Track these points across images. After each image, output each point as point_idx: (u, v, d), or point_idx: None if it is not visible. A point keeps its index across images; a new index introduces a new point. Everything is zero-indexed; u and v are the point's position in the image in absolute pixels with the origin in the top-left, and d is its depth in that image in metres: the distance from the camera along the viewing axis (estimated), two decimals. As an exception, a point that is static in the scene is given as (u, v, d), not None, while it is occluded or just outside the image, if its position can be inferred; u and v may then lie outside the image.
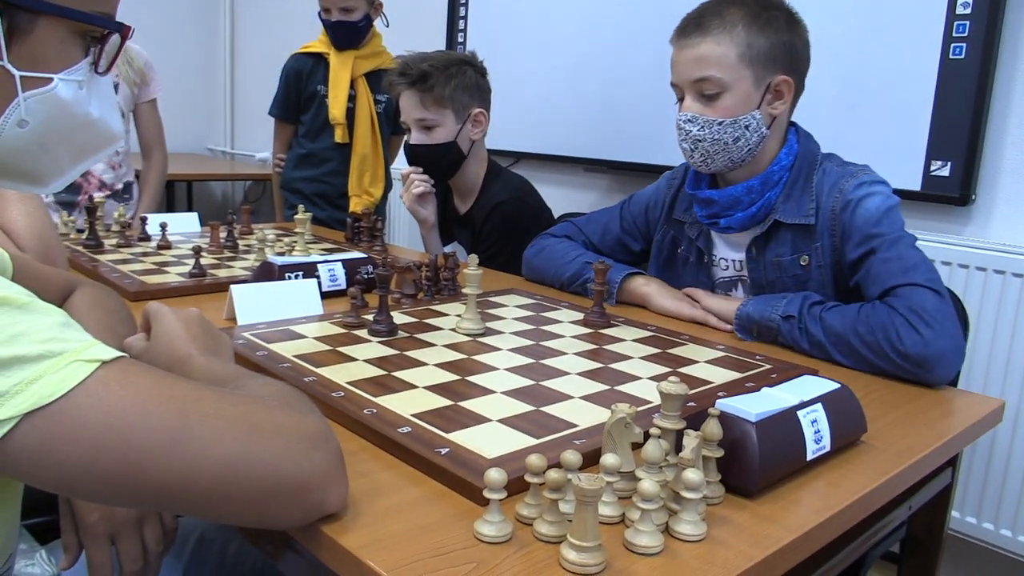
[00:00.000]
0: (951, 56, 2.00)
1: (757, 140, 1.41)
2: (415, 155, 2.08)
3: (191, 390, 0.62)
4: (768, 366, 1.20)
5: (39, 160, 0.77)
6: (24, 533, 0.96)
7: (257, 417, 0.63)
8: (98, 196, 2.53)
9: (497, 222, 2.04)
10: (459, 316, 1.32)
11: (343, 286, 1.52)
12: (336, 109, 2.81)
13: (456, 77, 2.00)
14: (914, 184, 2.08)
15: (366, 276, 1.54)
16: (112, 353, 0.60)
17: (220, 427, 0.61)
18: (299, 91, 2.90)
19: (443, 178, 2.13)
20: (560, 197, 2.32)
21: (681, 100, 1.45)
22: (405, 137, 2.09)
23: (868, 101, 2.16)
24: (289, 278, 1.45)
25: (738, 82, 1.38)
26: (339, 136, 2.84)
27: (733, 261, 1.54)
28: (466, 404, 0.97)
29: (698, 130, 1.41)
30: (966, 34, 1.97)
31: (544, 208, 2.17)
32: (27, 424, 0.55)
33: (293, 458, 0.64)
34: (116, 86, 2.62)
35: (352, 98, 2.84)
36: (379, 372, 1.07)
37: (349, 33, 2.77)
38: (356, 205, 2.86)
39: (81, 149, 0.79)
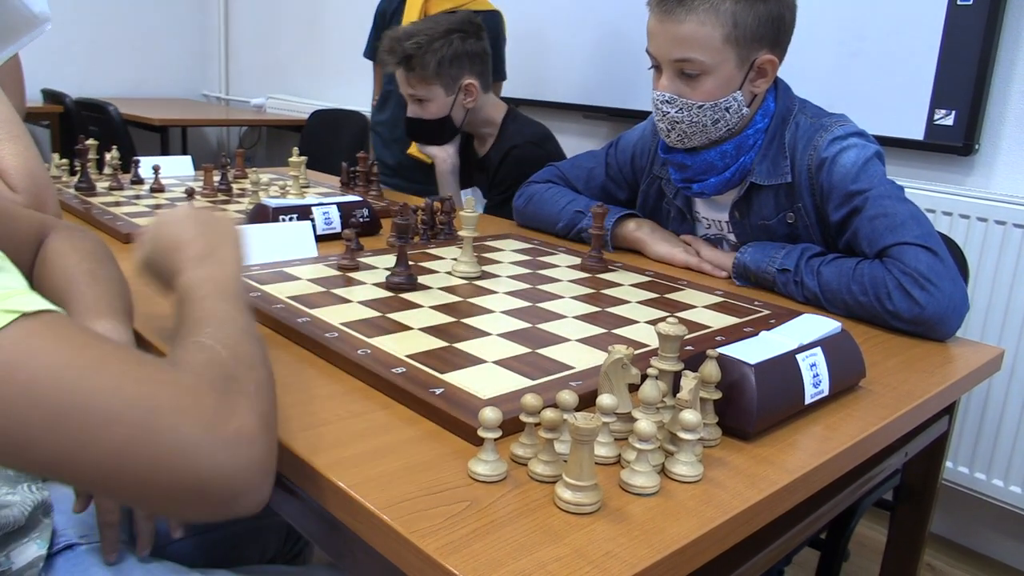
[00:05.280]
0: (959, 2, 1.95)
1: (737, 120, 1.36)
2: (410, 127, 2.09)
3: (95, 360, 0.55)
4: (767, 311, 1.19)
5: None
6: None
7: (160, 400, 0.55)
8: None
9: (511, 165, 2.02)
10: (455, 260, 1.30)
11: (338, 229, 1.50)
12: None
13: (440, 51, 1.95)
14: (917, 133, 2.06)
15: (361, 220, 1.52)
16: (37, 306, 0.55)
17: (114, 408, 0.54)
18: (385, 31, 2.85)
19: (443, 143, 2.13)
20: (559, 145, 2.32)
21: (656, 68, 1.38)
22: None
23: (872, 48, 2.12)
24: (283, 220, 1.43)
25: (721, 64, 1.31)
26: None
27: (715, 221, 1.51)
28: (461, 346, 0.96)
29: (676, 112, 1.35)
30: (975, -21, 1.93)
31: (561, 156, 2.14)
32: None
33: (190, 456, 0.55)
34: None
35: None
36: (374, 314, 1.05)
37: None
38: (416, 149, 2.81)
39: (2, 31, 0.76)
